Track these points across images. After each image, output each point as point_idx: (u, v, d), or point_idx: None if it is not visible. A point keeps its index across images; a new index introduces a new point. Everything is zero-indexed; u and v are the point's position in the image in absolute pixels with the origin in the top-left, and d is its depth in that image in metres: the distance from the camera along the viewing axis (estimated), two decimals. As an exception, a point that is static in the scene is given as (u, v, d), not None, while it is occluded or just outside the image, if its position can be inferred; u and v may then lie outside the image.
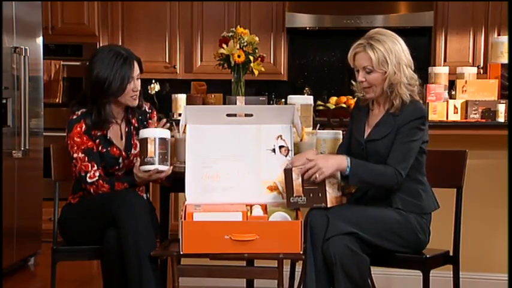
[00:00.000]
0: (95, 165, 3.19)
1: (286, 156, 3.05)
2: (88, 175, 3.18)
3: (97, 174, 3.18)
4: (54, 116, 5.89)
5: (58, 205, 3.37)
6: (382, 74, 2.98)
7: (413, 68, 3.03)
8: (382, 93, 3.02)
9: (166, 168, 3.06)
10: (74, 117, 3.22)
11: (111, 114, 3.23)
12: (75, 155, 3.19)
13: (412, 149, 2.97)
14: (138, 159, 3.10)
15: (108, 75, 3.14)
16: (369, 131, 3.08)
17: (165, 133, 3.07)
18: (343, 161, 2.91)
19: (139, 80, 3.24)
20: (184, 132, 3.14)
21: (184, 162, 3.02)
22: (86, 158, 3.18)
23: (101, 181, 3.18)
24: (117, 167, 3.27)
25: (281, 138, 3.06)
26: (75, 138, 3.20)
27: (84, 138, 3.20)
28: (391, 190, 2.99)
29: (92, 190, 3.18)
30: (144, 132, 3.06)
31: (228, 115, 3.04)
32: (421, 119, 2.99)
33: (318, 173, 2.86)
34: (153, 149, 3.02)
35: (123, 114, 3.31)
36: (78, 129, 3.21)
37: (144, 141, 3.04)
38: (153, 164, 3.03)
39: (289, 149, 3.05)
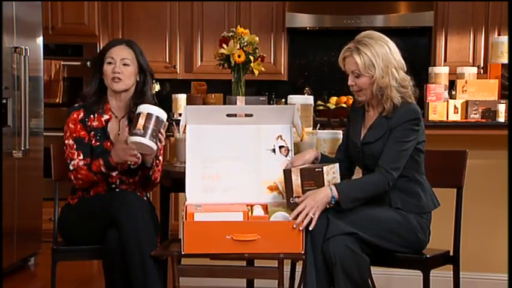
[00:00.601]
0: (81, 155, 3.20)
1: (286, 156, 3.05)
2: (72, 162, 3.19)
3: (81, 163, 3.18)
4: (54, 116, 5.87)
5: (58, 205, 3.37)
6: (370, 78, 2.96)
7: (405, 69, 3.01)
8: (373, 96, 3.01)
9: (152, 145, 3.02)
10: (76, 105, 3.30)
11: (96, 89, 3.27)
12: (66, 141, 3.23)
13: (405, 150, 2.96)
14: (127, 129, 3.10)
15: (95, 57, 3.34)
16: (364, 133, 3.08)
17: (161, 113, 3.06)
18: (329, 192, 2.89)
19: (126, 66, 3.23)
20: (184, 132, 3.14)
21: (184, 162, 3.02)
22: (75, 146, 3.21)
23: (80, 164, 3.17)
24: None
25: (281, 138, 3.06)
26: (70, 124, 3.24)
27: (78, 126, 3.23)
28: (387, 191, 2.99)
29: (72, 177, 3.18)
30: (140, 108, 3.07)
31: (228, 115, 3.04)
32: (414, 121, 2.97)
33: (311, 212, 2.85)
34: (143, 123, 3.01)
35: (125, 111, 3.31)
36: (75, 115, 3.24)
37: (137, 116, 3.04)
38: (140, 136, 3.00)
39: (289, 149, 3.05)
